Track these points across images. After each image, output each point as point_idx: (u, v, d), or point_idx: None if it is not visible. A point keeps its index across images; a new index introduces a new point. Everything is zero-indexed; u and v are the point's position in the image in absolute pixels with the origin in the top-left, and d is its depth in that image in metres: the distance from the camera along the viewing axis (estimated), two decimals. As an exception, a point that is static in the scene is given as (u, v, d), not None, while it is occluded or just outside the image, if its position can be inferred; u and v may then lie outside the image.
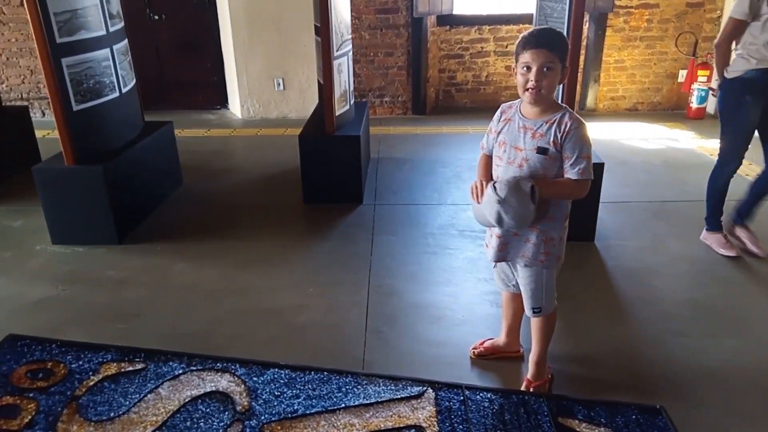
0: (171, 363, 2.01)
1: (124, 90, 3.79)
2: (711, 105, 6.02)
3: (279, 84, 6.28)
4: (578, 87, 6.14)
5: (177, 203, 4.15)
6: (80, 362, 1.99)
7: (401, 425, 1.85)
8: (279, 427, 1.79)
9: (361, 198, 4.08)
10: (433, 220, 3.82)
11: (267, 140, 5.71)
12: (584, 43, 6.02)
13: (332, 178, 4.02)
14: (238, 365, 2.03)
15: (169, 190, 4.26)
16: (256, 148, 5.51)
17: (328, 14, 3.68)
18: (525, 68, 1.88)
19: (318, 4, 3.72)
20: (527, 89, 1.89)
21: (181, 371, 1.97)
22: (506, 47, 6.32)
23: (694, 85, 5.91)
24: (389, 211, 3.94)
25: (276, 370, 2.03)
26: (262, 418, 1.81)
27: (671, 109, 6.33)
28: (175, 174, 4.43)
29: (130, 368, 1.96)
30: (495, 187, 1.92)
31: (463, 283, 3.10)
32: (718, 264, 3.20)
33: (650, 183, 4.32)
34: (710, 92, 5.74)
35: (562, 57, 1.89)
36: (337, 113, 4.00)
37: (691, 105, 6.01)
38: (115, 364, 1.98)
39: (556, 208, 2.03)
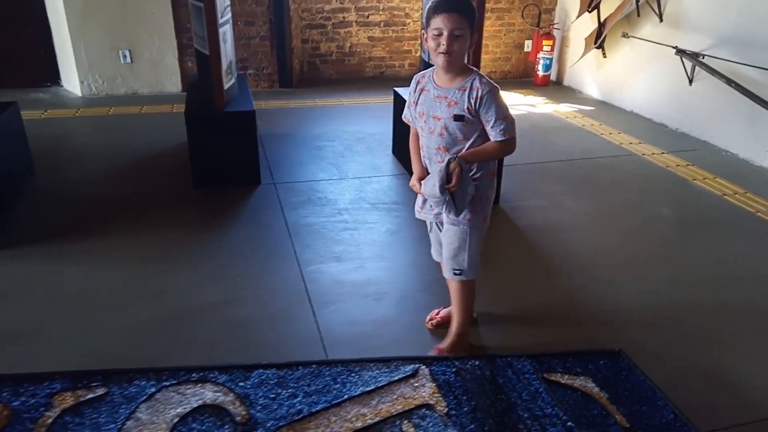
0: (137, 382, 1.70)
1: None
2: (554, 73, 6.61)
3: (125, 56, 5.59)
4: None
5: (37, 199, 3.52)
6: (23, 398, 1.60)
7: (410, 407, 1.79)
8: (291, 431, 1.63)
9: (258, 178, 3.82)
10: (340, 195, 3.71)
11: (122, 120, 5.07)
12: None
13: (226, 158, 3.70)
14: (216, 372, 1.79)
15: (21, 183, 3.60)
16: (112, 130, 4.87)
17: (213, -24, 3.33)
18: (436, 32, 1.89)
19: (198, -36, 3.35)
20: (439, 53, 1.91)
21: (153, 389, 1.68)
22: (367, 17, 6.29)
23: (540, 54, 6.43)
24: (292, 190, 3.75)
25: (261, 371, 1.83)
26: (268, 425, 1.62)
27: (519, 77, 6.83)
28: (26, 165, 3.76)
29: (90, 395, 1.62)
30: (432, 186, 1.98)
31: (393, 256, 3.07)
32: (614, 217, 3.55)
33: (526, 146, 4.62)
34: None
35: (471, 23, 1.92)
36: (225, 87, 3.67)
37: (537, 73, 6.54)
38: (69, 393, 1.62)
39: (487, 170, 2.09)
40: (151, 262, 2.91)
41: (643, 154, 4.48)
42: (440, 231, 2.21)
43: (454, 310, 2.26)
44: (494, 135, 1.96)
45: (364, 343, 2.34)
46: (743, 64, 4.23)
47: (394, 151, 4.39)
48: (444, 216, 2.11)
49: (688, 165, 4.29)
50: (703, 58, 4.59)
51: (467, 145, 2.02)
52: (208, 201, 3.59)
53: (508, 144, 1.99)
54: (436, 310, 2.49)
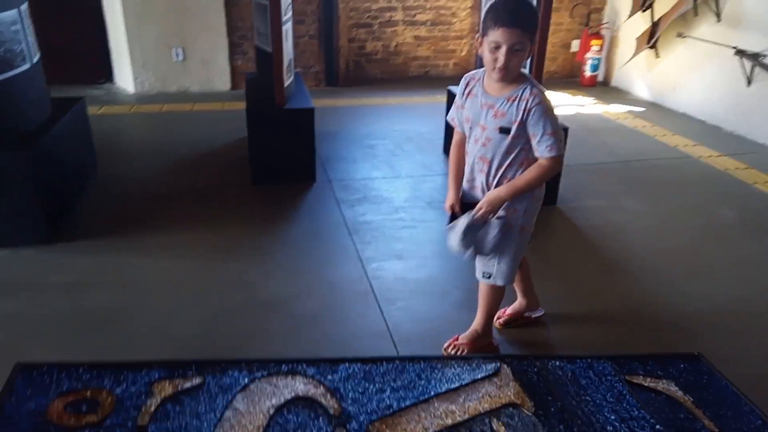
0: (231, 373, 1.74)
1: (34, 60, 3.19)
2: (601, 73, 6.53)
3: (178, 55, 5.69)
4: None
5: (100, 193, 3.61)
6: (124, 386, 1.64)
7: (497, 405, 1.79)
8: (384, 426, 1.64)
9: (314, 176, 3.86)
10: (395, 194, 3.72)
11: (176, 117, 5.16)
12: (490, 13, 6.18)
13: (284, 155, 3.74)
14: (304, 365, 1.81)
15: (86, 179, 3.70)
16: (167, 125, 4.97)
17: (278, -24, 3.38)
18: (494, 45, 1.81)
19: (267, -35, 3.39)
20: (495, 68, 1.84)
21: (247, 380, 1.71)
22: (414, 16, 6.30)
23: (588, 54, 6.36)
24: (348, 188, 3.77)
25: (346, 365, 1.85)
26: (361, 418, 1.64)
27: (566, 77, 6.76)
28: (90, 160, 3.85)
29: (188, 384, 1.67)
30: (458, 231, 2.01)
31: (454, 255, 3.06)
32: (675, 219, 3.49)
33: (578, 147, 4.58)
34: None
35: (532, 36, 1.84)
36: (285, 84, 3.72)
37: (584, 73, 6.46)
38: (167, 382, 1.66)
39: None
40: (222, 255, 2.97)
41: (700, 157, 4.40)
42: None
43: (479, 311, 2.25)
44: (540, 151, 1.88)
45: (433, 341, 2.35)
46: (808, 65, 4.12)
47: (445, 150, 4.38)
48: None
49: (747, 168, 4.20)
50: (764, 58, 4.48)
51: (509, 160, 1.96)
52: (267, 197, 3.64)
53: (554, 162, 1.90)
54: (502, 309, 2.48)
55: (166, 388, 1.64)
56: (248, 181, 3.79)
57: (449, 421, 1.70)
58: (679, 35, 5.32)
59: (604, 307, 2.62)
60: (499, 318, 2.46)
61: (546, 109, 1.86)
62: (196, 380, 1.69)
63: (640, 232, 3.32)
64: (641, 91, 6.02)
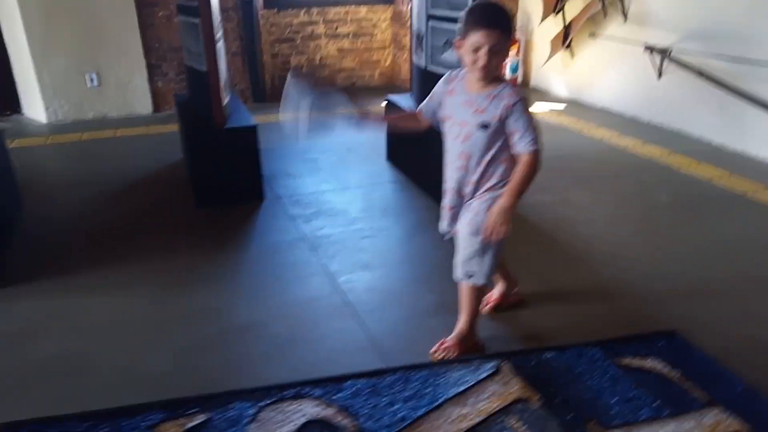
0: (235, 405, 1.62)
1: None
2: (520, 75, 6.80)
3: (92, 80, 5.37)
4: (408, 65, 6.43)
5: (33, 234, 3.31)
6: (123, 435, 1.49)
7: (507, 402, 1.79)
8: (404, 439, 1.59)
9: (262, 194, 3.74)
10: (349, 205, 3.67)
11: (98, 144, 4.86)
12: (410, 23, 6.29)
13: (229, 175, 3.60)
14: (309, 387, 1.73)
15: (12, 218, 3.39)
16: (90, 154, 4.66)
17: (209, -9, 3.27)
18: (475, 47, 1.88)
19: (196, -22, 3.27)
20: (477, 68, 1.90)
21: (253, 411, 1.60)
22: (336, 29, 6.30)
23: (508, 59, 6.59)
24: (300, 203, 3.69)
25: (352, 381, 1.79)
26: (380, 435, 1.59)
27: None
28: (14, 195, 3.54)
29: (192, 423, 1.54)
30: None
31: (421, 261, 3.07)
32: (619, 207, 3.67)
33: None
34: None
35: (509, 38, 1.93)
36: (224, 103, 3.59)
37: (504, 76, 6.70)
38: (170, 423, 1.53)
39: (504, 181, 2.07)
40: (173, 286, 2.80)
41: (626, 147, 4.67)
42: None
43: (461, 310, 2.25)
44: (522, 146, 1.95)
45: (417, 347, 2.31)
46: (710, 56, 4.48)
47: (389, 158, 4.39)
48: (460, 225, 2.13)
49: (670, 153, 4.49)
50: (670, 53, 4.83)
51: (489, 156, 2.01)
52: (216, 220, 3.48)
53: (536, 156, 1.96)
54: (487, 295, 2.49)
55: (171, 430, 1.51)
56: (191, 205, 3.61)
57: (465, 425, 1.68)
58: (592, 35, 5.64)
59: (576, 297, 2.69)
60: (487, 304, 2.48)
61: (525, 107, 1.94)
62: (201, 417, 1.57)
63: (591, 223, 3.45)
64: (560, 89, 6.32)
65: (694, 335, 2.29)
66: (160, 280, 2.85)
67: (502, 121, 1.95)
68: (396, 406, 1.72)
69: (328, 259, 3.02)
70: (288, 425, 1.57)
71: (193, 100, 3.86)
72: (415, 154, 3.89)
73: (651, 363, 2.08)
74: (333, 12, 6.21)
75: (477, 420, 1.70)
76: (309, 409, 1.65)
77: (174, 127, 4.84)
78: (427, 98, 2.20)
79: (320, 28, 6.25)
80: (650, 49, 4.97)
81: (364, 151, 4.60)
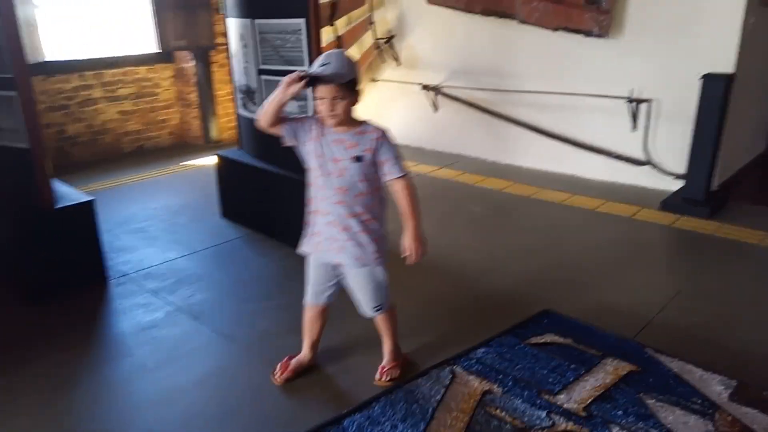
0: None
1: None
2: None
3: None
4: (199, 122, 6.38)
5: None
6: None
7: (478, 397, 2.06)
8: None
9: (104, 275, 3.40)
10: (209, 268, 3.58)
11: None
12: (195, 80, 6.25)
13: (65, 259, 3.21)
14: (318, 436, 1.76)
15: None
16: None
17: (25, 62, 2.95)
18: (319, 98, 2.11)
19: (10, 49, 2.90)
20: (325, 116, 2.13)
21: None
22: (115, 92, 5.93)
23: (292, 106, 6.94)
24: (154, 276, 3.46)
25: (349, 419, 1.86)
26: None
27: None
28: None
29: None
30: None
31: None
32: (444, 221, 4.22)
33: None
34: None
35: (351, 86, 2.14)
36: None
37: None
38: None
39: (382, 208, 2.33)
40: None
41: (427, 173, 5.36)
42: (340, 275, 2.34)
43: (384, 336, 2.43)
44: (394, 172, 2.19)
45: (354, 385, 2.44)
46: (474, 89, 5.45)
47: (223, 215, 4.33)
48: (348, 261, 2.24)
49: (462, 173, 5.29)
50: (441, 89, 5.71)
51: (364, 187, 2.19)
52: (60, 314, 3.04)
53: (408, 179, 2.22)
54: (283, 363, 2.47)
55: None
56: (19, 301, 3.14)
57: (460, 425, 1.90)
58: (373, 80, 6.31)
59: (450, 306, 3.06)
60: (280, 373, 2.44)
61: (390, 139, 2.19)
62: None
63: (432, 239, 3.92)
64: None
65: (558, 309, 2.86)
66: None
67: (374, 153, 2.16)
68: (399, 428, 1.86)
69: (215, 324, 2.92)
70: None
71: (6, 182, 3.33)
72: (256, 204, 3.94)
73: (549, 337, 2.56)
74: (110, 74, 5.84)
75: (466, 418, 1.94)
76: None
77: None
78: (288, 125, 2.20)
79: (97, 92, 5.81)
80: (426, 87, 5.79)
81: (192, 213, 4.47)
